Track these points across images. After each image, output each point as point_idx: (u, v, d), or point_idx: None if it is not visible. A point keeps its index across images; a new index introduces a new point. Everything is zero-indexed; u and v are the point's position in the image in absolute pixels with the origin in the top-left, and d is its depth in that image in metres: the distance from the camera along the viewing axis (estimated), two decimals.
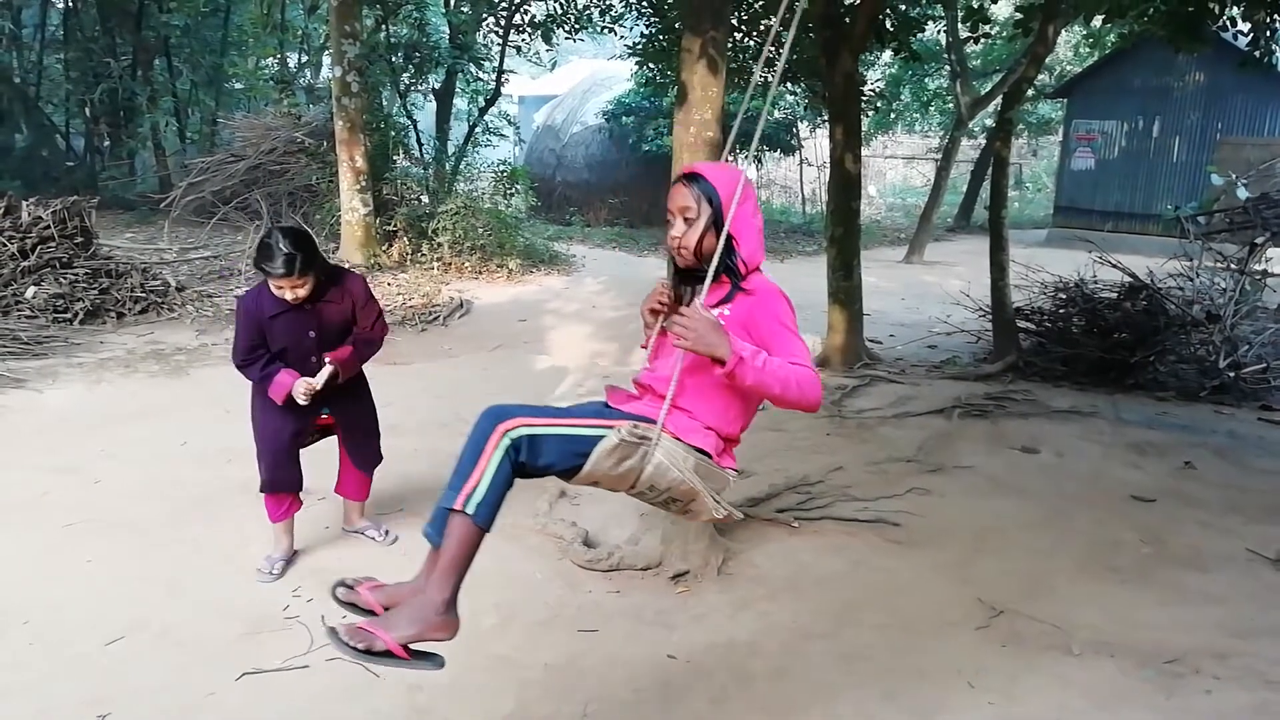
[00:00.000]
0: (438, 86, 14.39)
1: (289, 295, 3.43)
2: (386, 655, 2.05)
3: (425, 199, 12.38)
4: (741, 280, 2.19)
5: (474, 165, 14.72)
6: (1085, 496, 4.89)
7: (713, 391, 2.17)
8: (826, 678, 3.17)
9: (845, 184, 7.48)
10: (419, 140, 13.81)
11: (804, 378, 2.06)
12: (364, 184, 10.95)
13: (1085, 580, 3.95)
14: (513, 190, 13.67)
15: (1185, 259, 8.22)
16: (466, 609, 3.53)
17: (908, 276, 13.35)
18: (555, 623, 3.49)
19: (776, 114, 16.42)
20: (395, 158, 12.69)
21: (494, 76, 14.23)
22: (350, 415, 3.85)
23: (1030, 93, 16.91)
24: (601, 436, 2.09)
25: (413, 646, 2.09)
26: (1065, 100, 17.90)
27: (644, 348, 2.35)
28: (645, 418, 2.14)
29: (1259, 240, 8.26)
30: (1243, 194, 9.80)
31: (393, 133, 12.72)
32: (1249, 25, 7.56)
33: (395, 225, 11.57)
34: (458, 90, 14.71)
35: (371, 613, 2.19)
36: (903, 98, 20.42)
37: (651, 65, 11.94)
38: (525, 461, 2.08)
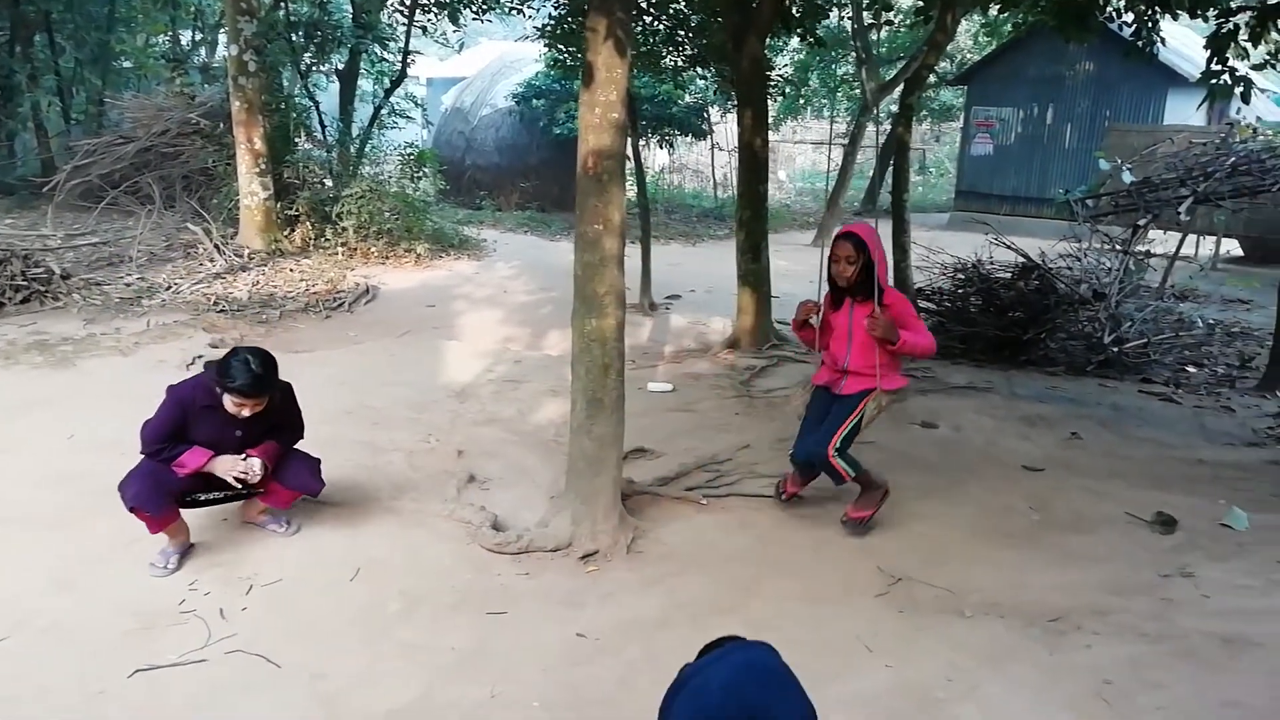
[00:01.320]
0: (341, 67, 13.99)
1: (245, 412, 3.49)
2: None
3: (329, 182, 12.05)
4: (883, 295, 3.89)
5: (379, 148, 14.39)
6: (979, 467, 5.09)
7: (889, 359, 4.00)
8: None
9: (753, 168, 7.58)
10: (321, 122, 13.42)
11: (927, 345, 3.99)
12: (264, 167, 10.60)
13: (978, 546, 4.12)
14: (420, 174, 13.41)
15: (1075, 240, 8.60)
16: (370, 598, 3.51)
17: (816, 259, 13.57)
18: (463, 606, 3.47)
19: (687, 98, 16.48)
20: (296, 140, 12.31)
21: (399, 57, 13.90)
22: (284, 463, 3.80)
23: (932, 80, 17.43)
24: (863, 414, 4.05)
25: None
26: (965, 88, 18.45)
27: (808, 341, 4.26)
28: (870, 389, 4.02)
29: (1141, 222, 8.69)
30: (1127, 178, 10.24)
31: (294, 114, 12.33)
32: (1132, 16, 7.91)
33: (297, 210, 11.23)
34: (362, 71, 14.33)
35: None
36: (811, 83, 20.75)
37: (561, 47, 11.83)
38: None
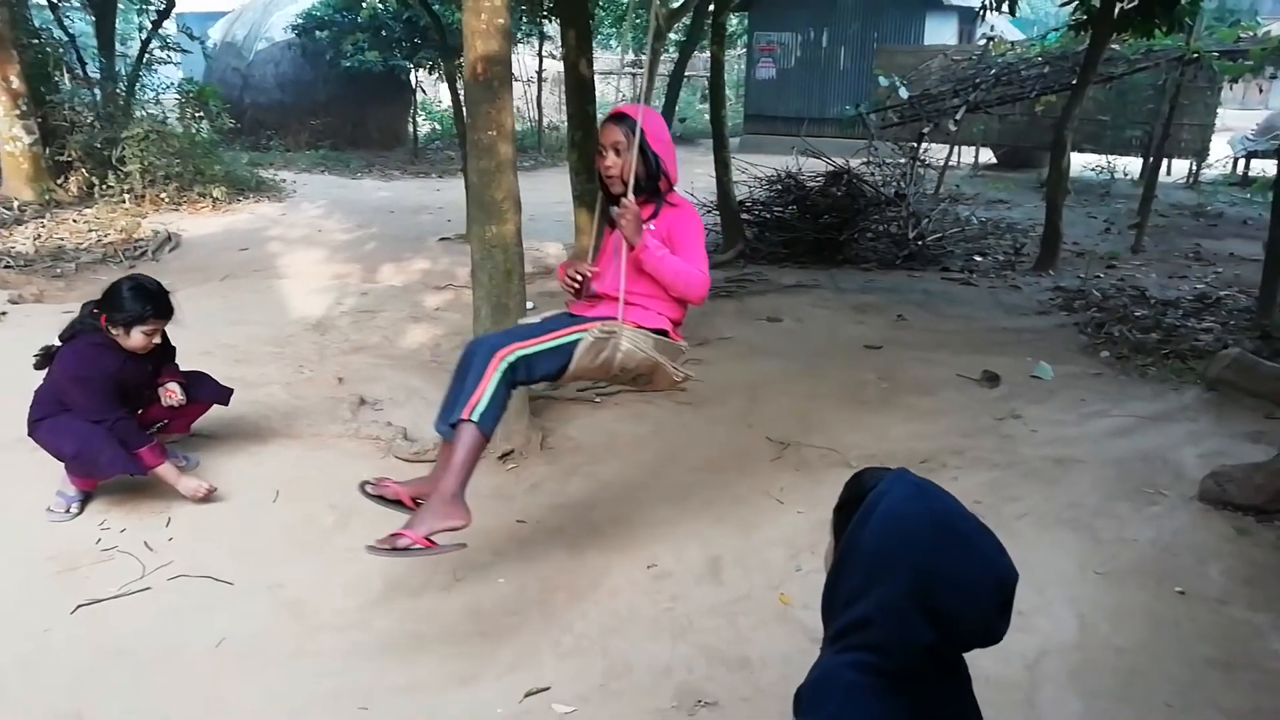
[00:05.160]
0: None
1: (156, 339, 3.43)
2: (411, 549, 2.47)
3: (99, 125, 10.95)
4: (666, 196, 2.85)
5: (150, 86, 13.17)
6: (828, 350, 5.64)
7: (655, 287, 2.75)
8: (661, 515, 3.53)
9: (580, 88, 7.64)
10: (81, 59, 12.08)
11: (692, 277, 2.73)
12: (24, 108, 9.54)
13: (843, 412, 4.63)
14: (199, 114, 12.43)
15: (872, 150, 9.38)
16: (300, 514, 3.52)
17: None
18: (395, 513, 3.53)
19: None
20: (57, 78, 11.07)
21: None
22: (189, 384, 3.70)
23: (711, 5, 18.00)
24: (579, 339, 2.68)
25: (435, 536, 2.51)
26: (747, 14, 19.18)
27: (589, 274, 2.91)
28: (609, 317, 2.72)
29: (925, 130, 9.61)
30: (904, 93, 11.22)
31: (49, 50, 11.05)
32: None
33: (69, 155, 10.20)
34: (122, 3, 12.95)
35: (399, 502, 2.75)
36: (598, 13, 20.78)
37: None
38: (521, 379, 2.68)
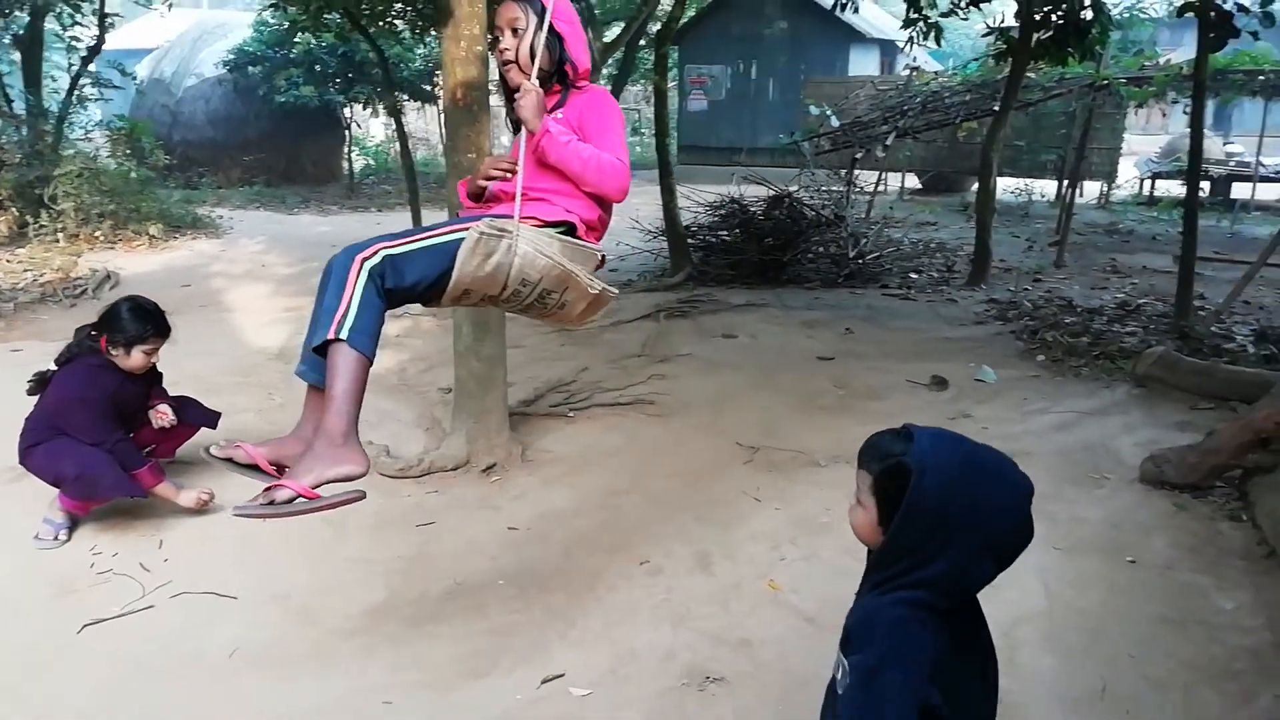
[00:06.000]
0: (21, 32, 12.35)
1: (155, 358, 3.52)
2: (293, 503, 1.90)
3: (29, 162, 10.73)
4: (574, 83, 2.35)
5: (78, 124, 12.95)
6: (783, 363, 5.87)
7: (561, 181, 2.24)
8: (645, 517, 3.68)
9: None
10: (6, 95, 11.84)
11: (606, 163, 2.19)
12: None
13: (805, 418, 4.85)
14: (126, 151, 12.28)
15: (809, 175, 9.75)
16: (295, 529, 3.57)
17: None
18: (390, 525, 3.62)
19: (417, 64, 16.22)
20: None
21: (96, 21, 12.51)
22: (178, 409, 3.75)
23: (642, 41, 18.45)
24: (462, 238, 2.10)
25: (325, 487, 1.94)
26: (677, 48, 19.67)
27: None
28: (504, 215, 2.18)
29: (857, 155, 10.05)
30: (835, 121, 11.69)
31: None
32: None
33: (0, 193, 9.98)
34: (52, 41, 12.73)
35: (255, 467, 2.06)
36: None
37: (285, 8, 11.25)
38: (393, 286, 2.08)
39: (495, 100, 4.15)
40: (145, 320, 3.37)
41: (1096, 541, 3.42)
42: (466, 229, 2.10)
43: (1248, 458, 3.68)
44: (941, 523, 1.43)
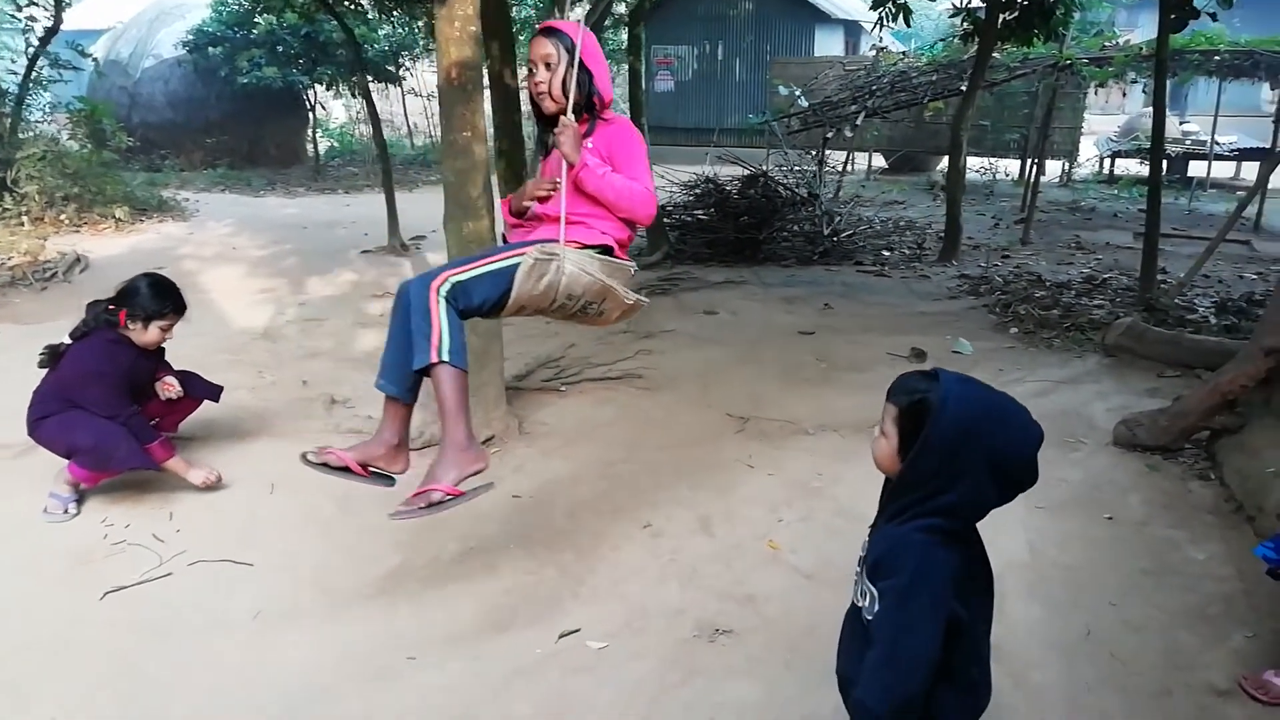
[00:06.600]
0: None
1: (170, 334, 3.59)
2: (445, 502, 2.42)
3: None
4: (600, 113, 2.69)
5: (36, 107, 12.67)
6: (765, 338, 6.01)
7: (596, 205, 2.60)
8: (643, 485, 3.79)
9: (506, 99, 7.86)
10: None
11: (637, 193, 2.57)
12: None
13: (790, 390, 4.98)
14: (86, 134, 12.06)
15: (782, 155, 9.88)
16: (300, 503, 3.64)
17: None
18: (393, 497, 3.65)
19: (381, 44, 16.07)
20: None
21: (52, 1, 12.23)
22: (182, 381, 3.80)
23: (609, 22, 18.43)
24: (519, 263, 2.49)
25: (463, 484, 2.45)
26: (643, 26, 19.67)
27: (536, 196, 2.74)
28: (550, 239, 2.57)
29: (828, 135, 10.19)
30: (803, 102, 11.84)
31: None
32: None
33: None
34: (4, 19, 12.43)
35: (346, 469, 2.55)
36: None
37: None
38: (464, 308, 2.47)
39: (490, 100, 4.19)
40: (165, 296, 3.42)
41: (1075, 500, 3.59)
42: (520, 254, 2.48)
43: (1215, 420, 3.89)
44: (955, 456, 1.58)
